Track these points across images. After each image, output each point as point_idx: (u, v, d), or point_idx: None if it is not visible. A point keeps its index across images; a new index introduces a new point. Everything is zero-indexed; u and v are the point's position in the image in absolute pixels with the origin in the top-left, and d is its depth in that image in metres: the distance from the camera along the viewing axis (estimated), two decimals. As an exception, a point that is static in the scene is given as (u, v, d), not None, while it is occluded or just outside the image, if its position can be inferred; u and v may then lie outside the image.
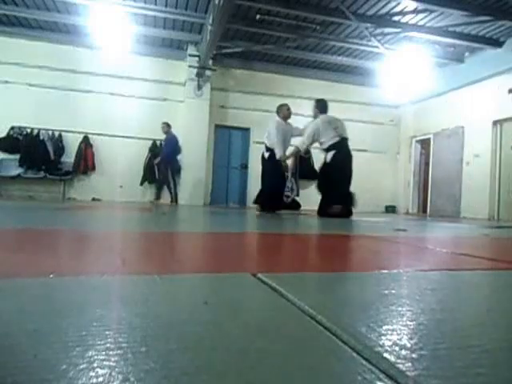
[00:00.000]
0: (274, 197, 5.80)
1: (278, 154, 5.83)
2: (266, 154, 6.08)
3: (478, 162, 8.45)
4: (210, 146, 9.42)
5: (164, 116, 9.23)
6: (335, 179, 5.40)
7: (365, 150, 10.56)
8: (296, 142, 5.94)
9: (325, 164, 5.57)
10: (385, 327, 0.67)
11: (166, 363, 0.49)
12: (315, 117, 5.88)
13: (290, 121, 6.20)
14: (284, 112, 6.11)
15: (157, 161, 8.31)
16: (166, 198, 8.39)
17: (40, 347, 0.52)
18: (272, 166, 5.91)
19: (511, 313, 0.84)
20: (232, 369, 0.49)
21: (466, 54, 8.75)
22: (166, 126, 8.37)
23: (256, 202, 6.15)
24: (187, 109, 9.10)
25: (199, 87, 9.06)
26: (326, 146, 5.55)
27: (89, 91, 8.80)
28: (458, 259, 1.71)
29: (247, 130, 9.87)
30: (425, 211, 10.02)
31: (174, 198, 8.23)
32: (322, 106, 5.88)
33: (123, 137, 8.90)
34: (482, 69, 8.35)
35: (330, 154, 5.48)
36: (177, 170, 8.51)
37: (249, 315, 0.73)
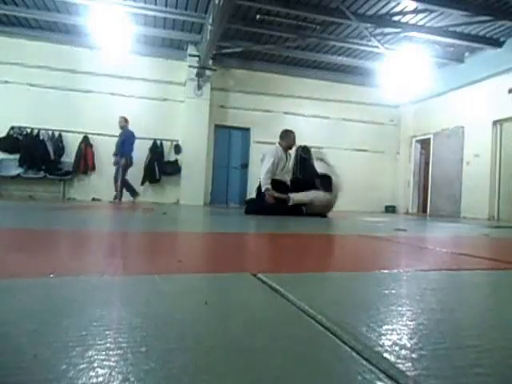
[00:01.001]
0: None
1: (264, 186, 5.18)
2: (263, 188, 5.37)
3: (477, 161, 8.45)
4: (210, 146, 9.43)
5: (164, 116, 9.25)
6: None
7: (365, 150, 10.59)
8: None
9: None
10: (385, 327, 0.67)
11: (166, 363, 0.49)
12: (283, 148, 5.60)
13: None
14: (290, 140, 5.46)
15: (123, 160, 7.62)
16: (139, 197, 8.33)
17: (40, 347, 0.52)
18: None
19: (511, 313, 0.84)
20: (232, 369, 0.49)
21: (466, 54, 8.75)
22: (124, 121, 7.84)
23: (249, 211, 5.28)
24: (187, 109, 9.11)
25: (199, 87, 9.06)
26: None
27: (89, 91, 8.81)
28: (458, 259, 1.71)
29: (247, 129, 9.87)
30: (425, 211, 10.02)
31: (119, 196, 7.72)
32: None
33: (123, 137, 8.89)
34: (481, 69, 8.35)
35: None
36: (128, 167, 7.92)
37: (249, 315, 0.73)
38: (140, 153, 8.96)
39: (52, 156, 8.47)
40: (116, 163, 7.71)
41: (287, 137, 5.50)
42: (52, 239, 1.87)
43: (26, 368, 0.46)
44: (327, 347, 0.57)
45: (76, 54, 8.73)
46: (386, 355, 0.54)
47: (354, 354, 0.55)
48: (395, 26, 7.58)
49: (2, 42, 8.41)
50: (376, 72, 9.49)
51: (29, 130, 8.46)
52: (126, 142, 7.72)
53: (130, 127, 8.72)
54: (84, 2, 7.19)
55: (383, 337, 0.62)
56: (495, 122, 8.18)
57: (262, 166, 5.38)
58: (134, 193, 7.99)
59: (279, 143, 5.52)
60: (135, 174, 8.88)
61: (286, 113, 10.01)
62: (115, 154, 7.78)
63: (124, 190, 7.87)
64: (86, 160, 8.72)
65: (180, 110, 9.23)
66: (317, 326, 0.66)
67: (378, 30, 7.76)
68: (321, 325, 0.66)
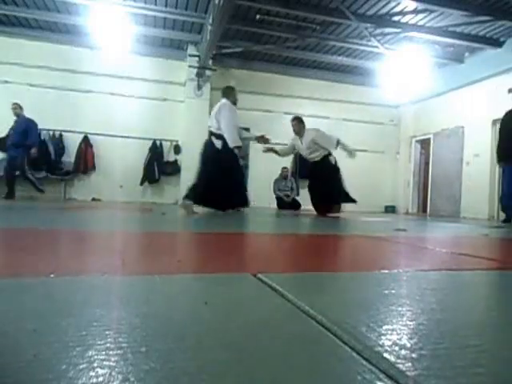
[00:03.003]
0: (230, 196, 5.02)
1: (232, 141, 4.92)
2: (219, 143, 5.10)
3: (477, 161, 8.45)
4: (209, 146, 9.41)
5: (164, 116, 9.24)
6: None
7: (365, 150, 10.55)
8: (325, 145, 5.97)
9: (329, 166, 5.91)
10: (385, 327, 0.67)
11: (166, 363, 0.49)
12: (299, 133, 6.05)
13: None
14: (235, 96, 5.29)
15: (34, 151, 7.06)
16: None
17: (40, 347, 0.52)
18: (231, 158, 5.02)
19: (511, 313, 0.84)
20: (232, 369, 0.49)
21: (466, 54, 8.75)
22: (19, 108, 7.21)
23: (192, 198, 5.12)
24: (187, 109, 9.10)
25: (199, 87, 9.05)
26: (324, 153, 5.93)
27: (89, 91, 8.80)
28: (458, 259, 1.71)
29: (247, 130, 9.86)
30: (425, 211, 10.01)
31: (38, 188, 7.33)
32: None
33: (123, 137, 8.89)
34: (481, 69, 8.35)
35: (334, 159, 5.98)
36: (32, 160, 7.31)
37: (249, 315, 0.73)
38: (140, 153, 8.98)
39: (53, 156, 8.47)
40: (16, 156, 7.07)
41: (231, 95, 5.26)
42: (52, 239, 1.87)
43: (26, 368, 0.46)
44: (327, 347, 0.57)
45: (76, 53, 8.72)
46: (385, 355, 0.54)
47: (354, 354, 0.55)
48: (395, 26, 7.58)
49: (2, 41, 8.39)
50: (376, 72, 9.49)
51: (29, 130, 8.45)
52: (29, 131, 7.12)
53: (132, 126, 8.71)
54: (84, 2, 7.18)
55: (383, 337, 0.62)
56: (495, 122, 8.18)
57: (220, 119, 5.01)
58: (38, 188, 7.52)
59: (228, 100, 5.19)
60: (134, 174, 8.89)
61: (285, 113, 9.98)
62: (16, 146, 7.05)
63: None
64: (86, 160, 8.71)
65: (180, 110, 9.22)
66: (317, 326, 0.66)
67: (378, 30, 7.76)
68: (321, 325, 0.66)
